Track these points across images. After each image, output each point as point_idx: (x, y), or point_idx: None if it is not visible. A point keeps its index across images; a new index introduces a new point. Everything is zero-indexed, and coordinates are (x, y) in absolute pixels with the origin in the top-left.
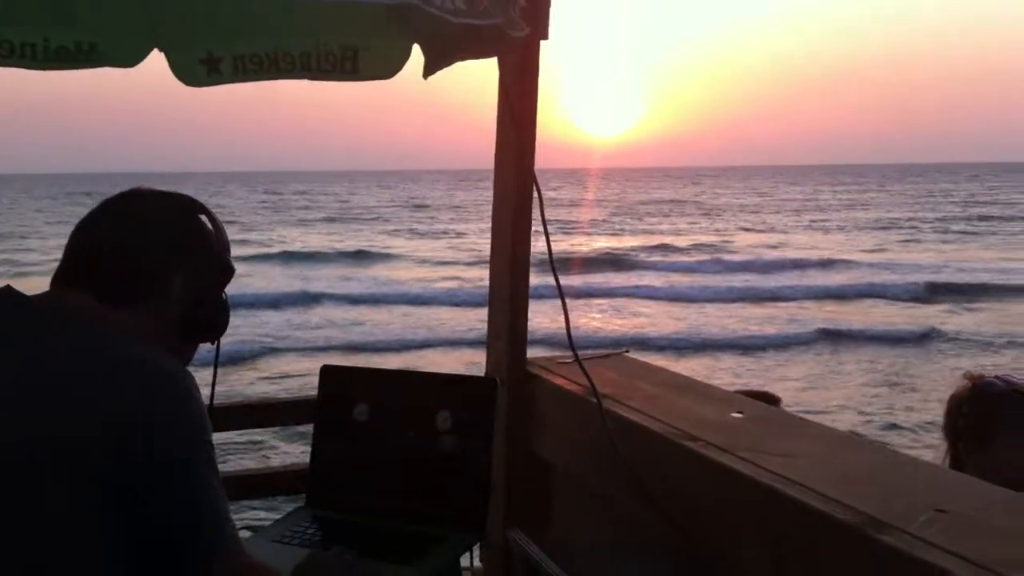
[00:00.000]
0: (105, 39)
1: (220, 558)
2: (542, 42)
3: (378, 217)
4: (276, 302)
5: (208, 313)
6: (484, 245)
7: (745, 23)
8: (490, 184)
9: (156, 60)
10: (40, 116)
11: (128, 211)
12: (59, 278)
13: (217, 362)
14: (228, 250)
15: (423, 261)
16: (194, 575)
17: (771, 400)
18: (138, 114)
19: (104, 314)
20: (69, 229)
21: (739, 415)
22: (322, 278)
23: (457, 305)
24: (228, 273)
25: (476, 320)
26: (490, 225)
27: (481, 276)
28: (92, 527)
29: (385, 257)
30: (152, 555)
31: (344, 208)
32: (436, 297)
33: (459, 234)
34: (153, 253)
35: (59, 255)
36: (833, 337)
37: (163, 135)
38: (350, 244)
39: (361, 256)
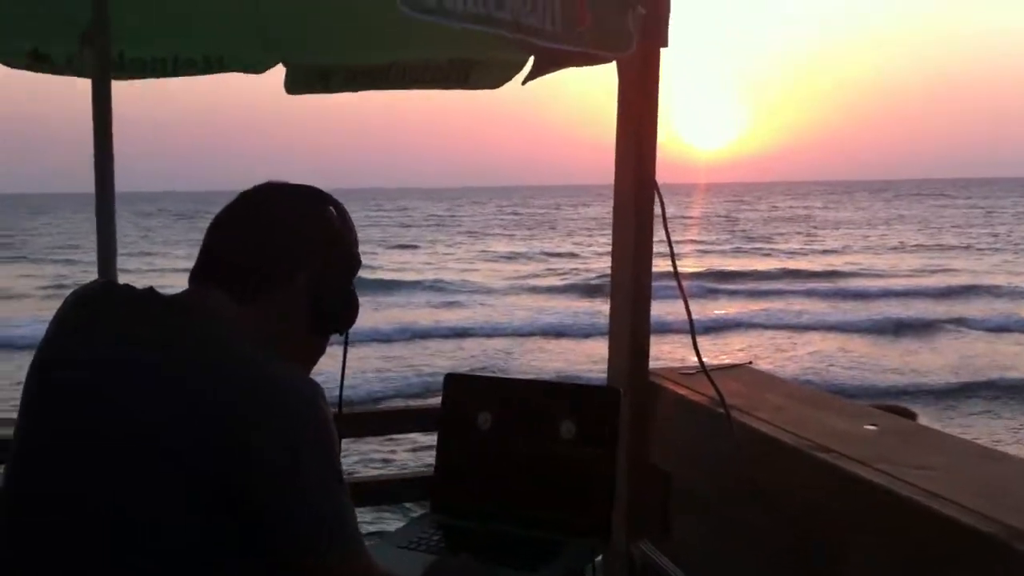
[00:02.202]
0: (230, 53)
1: (342, 564)
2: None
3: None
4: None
5: (336, 305)
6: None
7: (846, 33)
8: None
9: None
10: (149, 134)
11: (257, 205)
12: (196, 275)
13: (346, 359)
14: (356, 242)
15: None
16: None
17: (907, 415)
18: (246, 131)
19: (237, 312)
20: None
21: (873, 427)
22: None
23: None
24: (356, 265)
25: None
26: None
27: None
28: (202, 531)
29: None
30: (269, 562)
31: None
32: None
33: (552, 253)
34: (281, 246)
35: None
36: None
37: (272, 151)
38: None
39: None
